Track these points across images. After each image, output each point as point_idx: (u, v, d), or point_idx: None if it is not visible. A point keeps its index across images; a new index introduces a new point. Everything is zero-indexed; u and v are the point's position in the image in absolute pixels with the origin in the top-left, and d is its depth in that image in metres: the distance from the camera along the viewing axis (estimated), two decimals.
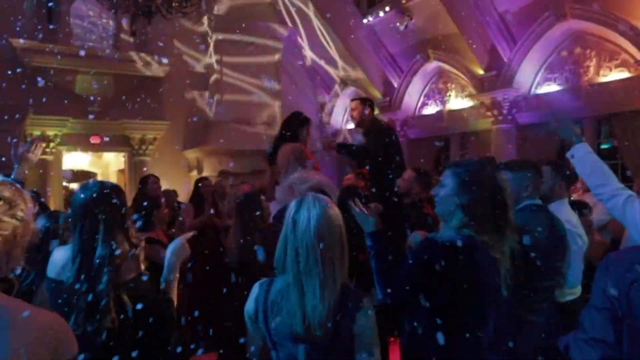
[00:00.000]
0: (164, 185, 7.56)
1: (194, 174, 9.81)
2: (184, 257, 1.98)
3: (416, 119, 9.46)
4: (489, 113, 7.90)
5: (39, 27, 8.81)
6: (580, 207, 3.18)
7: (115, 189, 1.84)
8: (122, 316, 1.68)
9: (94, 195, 1.77)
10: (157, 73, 9.49)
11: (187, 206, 5.13)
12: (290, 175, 3.87)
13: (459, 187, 1.70)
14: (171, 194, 6.42)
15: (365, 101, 4.31)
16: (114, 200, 1.78)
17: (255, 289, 1.67)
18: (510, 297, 1.73)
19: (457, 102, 8.84)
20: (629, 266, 1.19)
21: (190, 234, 2.11)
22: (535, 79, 7.57)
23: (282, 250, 1.59)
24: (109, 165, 12.27)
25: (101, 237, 1.72)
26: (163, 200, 3.91)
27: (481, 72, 7.97)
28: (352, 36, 9.32)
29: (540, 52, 7.30)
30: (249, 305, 1.67)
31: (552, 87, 7.37)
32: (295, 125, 4.03)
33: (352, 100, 4.34)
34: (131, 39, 9.47)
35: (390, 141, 4.14)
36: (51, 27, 9.07)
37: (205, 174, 9.62)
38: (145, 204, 3.33)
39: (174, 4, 5.20)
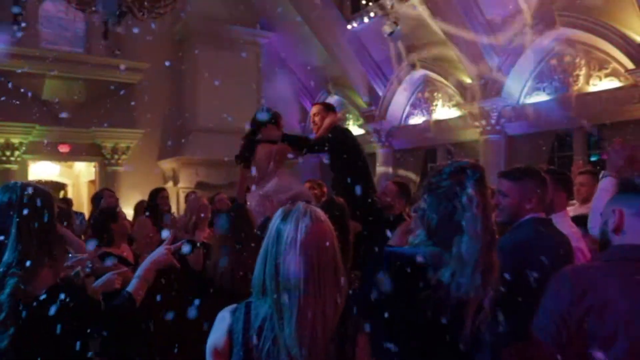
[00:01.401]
0: (138, 197, 7.38)
1: (170, 185, 9.68)
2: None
3: (402, 129, 9.43)
4: (477, 123, 7.91)
5: (4, 28, 8.59)
6: (583, 223, 3.04)
7: (41, 194, 1.72)
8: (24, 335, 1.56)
9: (13, 197, 1.66)
10: (130, 78, 9.35)
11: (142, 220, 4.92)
12: (268, 183, 3.83)
13: (423, 197, 1.61)
14: (144, 205, 6.20)
15: (327, 106, 4.23)
16: (37, 205, 1.66)
17: (226, 318, 1.42)
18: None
19: (444, 111, 8.83)
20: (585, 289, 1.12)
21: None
22: (524, 88, 7.58)
23: (261, 268, 1.38)
24: (80, 176, 11.97)
25: (10, 243, 1.60)
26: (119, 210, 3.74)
27: (469, 80, 7.97)
28: (336, 42, 9.34)
29: (529, 61, 7.32)
30: (218, 339, 1.42)
31: (541, 97, 7.38)
32: (259, 124, 3.88)
33: (314, 104, 4.27)
34: (103, 42, 9.33)
35: (349, 145, 4.03)
36: (18, 28, 8.75)
37: (181, 185, 9.58)
38: (100, 216, 3.12)
39: (145, 3, 5.04)
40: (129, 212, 6.07)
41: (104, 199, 4.86)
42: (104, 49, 9.40)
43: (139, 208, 6.04)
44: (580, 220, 3.07)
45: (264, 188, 3.79)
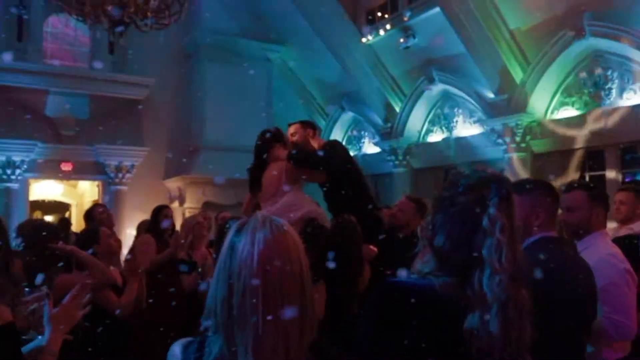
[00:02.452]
0: (142, 218, 7.22)
1: (175, 205, 9.61)
2: None
3: (420, 146, 9.25)
4: (500, 140, 7.68)
5: (8, 43, 8.70)
6: (627, 245, 2.78)
7: None
8: None
9: None
10: (136, 94, 9.35)
11: (144, 238, 4.73)
12: (276, 203, 3.64)
13: (433, 215, 1.39)
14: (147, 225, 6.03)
15: (306, 124, 4.06)
16: None
17: (176, 355, 1.21)
18: None
19: (466, 128, 8.64)
20: None
21: None
22: (551, 102, 7.35)
23: (213, 292, 1.17)
24: (84, 196, 11.95)
25: None
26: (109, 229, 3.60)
27: (491, 95, 7.78)
28: (350, 56, 9.21)
29: (556, 74, 7.10)
30: None
31: (570, 112, 7.14)
32: (265, 146, 3.73)
33: (291, 124, 4.07)
34: (109, 57, 9.39)
35: (351, 163, 3.87)
36: (21, 44, 8.94)
37: (187, 205, 9.51)
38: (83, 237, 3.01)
39: (148, 14, 4.93)
40: (133, 232, 5.96)
41: (95, 215, 4.69)
42: (109, 64, 9.43)
43: (141, 227, 5.89)
44: (623, 243, 2.82)
45: (271, 207, 3.59)
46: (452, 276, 1.27)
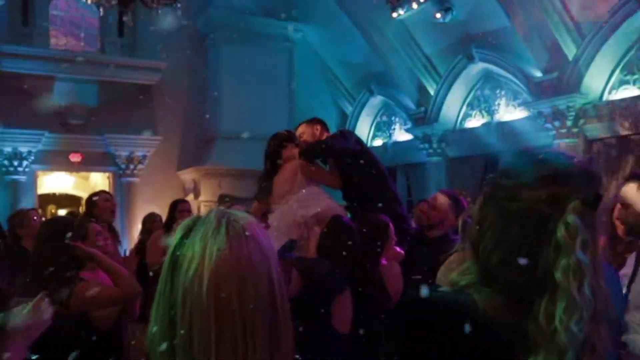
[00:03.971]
0: (155, 211, 7.09)
1: (190, 198, 9.54)
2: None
3: (457, 133, 9.03)
4: (549, 125, 7.38)
5: (12, 27, 8.84)
6: None
7: None
8: None
9: None
10: (147, 79, 9.36)
11: (157, 235, 4.68)
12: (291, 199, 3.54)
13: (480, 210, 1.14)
14: (156, 219, 5.88)
15: (312, 121, 4.12)
16: None
17: None
18: None
19: (509, 112, 8.40)
20: None
21: None
22: (609, 82, 6.99)
23: (154, 320, 0.97)
24: (96, 189, 11.90)
25: None
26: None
27: (539, 74, 7.50)
28: (379, 34, 9.03)
29: (614, 48, 6.72)
30: None
31: (630, 91, 6.74)
32: (277, 147, 3.78)
33: (298, 127, 4.15)
34: (118, 40, 9.46)
35: (361, 145, 3.96)
36: (26, 28, 9.01)
37: (202, 198, 9.46)
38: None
39: None
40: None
41: (99, 203, 4.44)
42: (119, 48, 9.49)
43: (147, 221, 5.80)
44: None
45: (286, 203, 3.53)
46: (502, 294, 1.04)
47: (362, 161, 3.67)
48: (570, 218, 0.97)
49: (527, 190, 1.03)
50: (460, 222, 2.63)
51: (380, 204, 3.43)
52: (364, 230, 3.04)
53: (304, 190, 3.49)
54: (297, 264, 2.77)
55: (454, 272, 1.16)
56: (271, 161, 3.74)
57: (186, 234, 0.96)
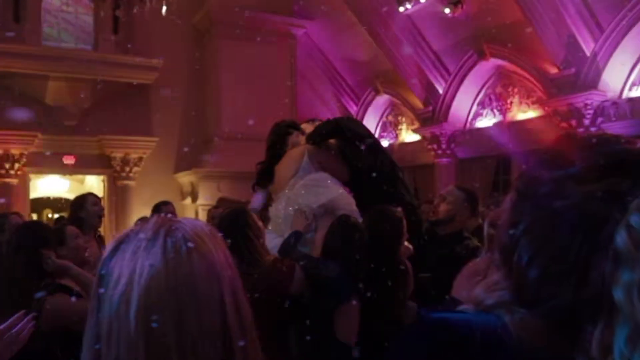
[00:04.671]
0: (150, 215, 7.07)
1: (188, 201, 9.64)
2: None
3: (467, 133, 9.05)
4: (564, 124, 7.36)
5: (3, 24, 8.74)
6: None
7: None
8: None
9: None
10: (143, 78, 9.23)
11: None
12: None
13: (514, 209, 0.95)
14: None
15: (313, 120, 4.01)
16: None
17: None
18: None
19: (522, 110, 8.40)
20: None
21: None
22: (629, 77, 6.97)
23: (84, 350, 0.87)
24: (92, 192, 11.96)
25: None
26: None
27: (554, 70, 7.49)
28: (385, 29, 9.04)
29: (636, 43, 6.66)
30: None
31: None
32: (283, 134, 3.67)
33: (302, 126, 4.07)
34: (113, 37, 9.31)
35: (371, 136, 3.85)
36: (17, 26, 8.92)
37: (200, 201, 9.38)
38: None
39: None
40: None
41: (87, 205, 4.33)
42: (114, 46, 9.33)
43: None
44: None
45: (292, 189, 3.32)
46: (542, 317, 0.87)
47: (372, 146, 3.54)
48: (635, 220, 0.79)
49: (576, 184, 0.85)
50: (485, 226, 2.45)
51: (389, 193, 3.32)
52: (375, 224, 2.87)
53: (311, 176, 3.27)
54: (303, 261, 2.63)
55: (479, 286, 0.99)
56: (274, 148, 3.62)
57: (116, 248, 0.83)
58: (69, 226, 3.19)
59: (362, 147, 3.43)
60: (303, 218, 3.01)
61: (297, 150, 3.45)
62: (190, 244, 0.83)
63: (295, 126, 3.71)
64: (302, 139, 3.58)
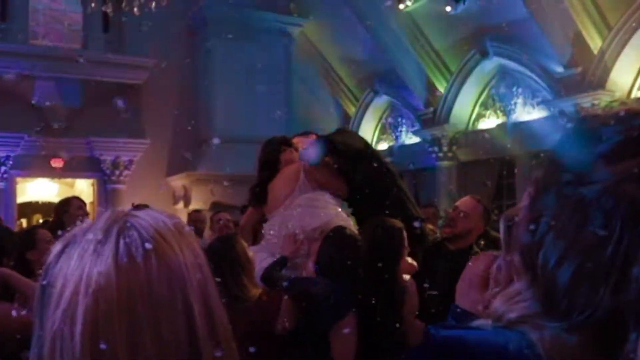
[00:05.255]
0: None
1: (180, 206, 9.65)
2: None
3: (469, 135, 9.04)
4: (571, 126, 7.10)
5: None
6: None
7: None
8: None
9: None
10: (134, 78, 9.34)
11: None
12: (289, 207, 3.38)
13: (534, 204, 0.85)
14: None
15: (306, 134, 4.05)
16: None
17: None
18: None
19: (526, 111, 8.39)
20: None
21: None
22: (639, 76, 6.93)
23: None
24: (82, 197, 11.87)
25: None
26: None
27: (560, 69, 7.44)
28: (385, 27, 9.03)
29: None
30: None
31: None
32: (275, 152, 3.64)
33: (292, 138, 4.05)
34: (103, 36, 9.42)
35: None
36: (4, 24, 9.05)
37: (193, 206, 9.31)
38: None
39: None
40: None
41: (71, 209, 4.31)
42: (104, 45, 9.41)
43: None
44: None
45: (287, 209, 3.29)
46: (578, 331, 0.78)
47: (368, 157, 3.50)
48: None
49: (606, 164, 0.75)
50: (501, 225, 2.24)
51: (389, 205, 3.24)
52: (373, 237, 2.76)
53: (307, 195, 3.26)
54: (289, 289, 2.53)
55: (498, 298, 0.91)
56: (267, 167, 3.61)
57: (61, 252, 0.76)
58: (41, 229, 3.18)
59: (359, 161, 3.41)
60: (292, 242, 3.01)
61: (292, 169, 3.44)
62: (147, 245, 0.74)
63: (287, 142, 3.70)
64: (296, 155, 3.55)
